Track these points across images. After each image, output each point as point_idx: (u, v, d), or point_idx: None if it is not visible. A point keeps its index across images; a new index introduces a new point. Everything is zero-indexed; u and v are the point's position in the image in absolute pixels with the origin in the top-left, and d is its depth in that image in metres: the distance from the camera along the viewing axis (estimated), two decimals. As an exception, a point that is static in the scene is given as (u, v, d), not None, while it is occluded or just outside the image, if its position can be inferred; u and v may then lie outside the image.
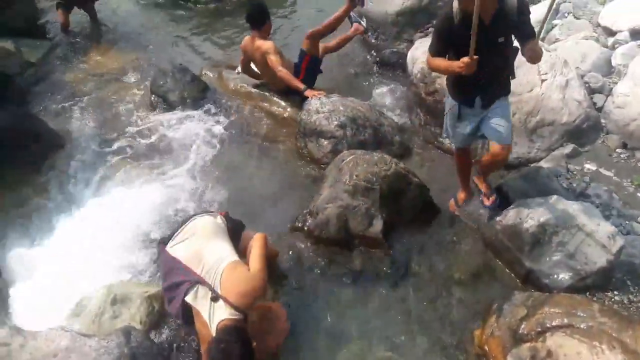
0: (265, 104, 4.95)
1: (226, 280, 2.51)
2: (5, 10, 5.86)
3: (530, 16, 2.91)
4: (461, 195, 3.69)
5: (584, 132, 3.97)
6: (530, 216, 3.14)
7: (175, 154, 4.44)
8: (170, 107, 4.91)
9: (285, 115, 4.81)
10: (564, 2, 4.95)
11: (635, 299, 2.98)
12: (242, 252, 2.85)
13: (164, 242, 2.83)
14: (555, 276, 3.03)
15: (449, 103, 3.29)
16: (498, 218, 3.33)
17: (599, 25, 4.62)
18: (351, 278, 3.29)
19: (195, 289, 2.54)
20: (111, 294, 2.98)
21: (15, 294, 3.23)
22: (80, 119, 4.94)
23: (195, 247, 2.69)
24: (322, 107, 4.30)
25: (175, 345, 2.87)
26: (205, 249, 2.66)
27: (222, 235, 2.80)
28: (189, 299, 2.53)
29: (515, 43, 2.99)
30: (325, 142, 4.20)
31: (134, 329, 2.72)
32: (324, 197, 3.51)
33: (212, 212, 2.98)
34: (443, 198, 3.76)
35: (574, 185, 3.64)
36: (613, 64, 4.29)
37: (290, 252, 3.44)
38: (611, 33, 4.49)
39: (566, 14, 4.86)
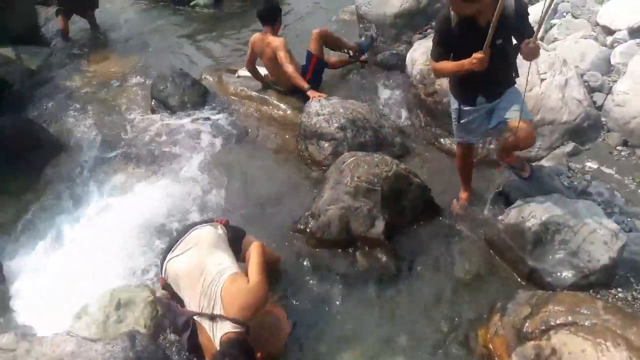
0: (266, 107, 4.96)
1: (226, 294, 2.53)
2: (5, 10, 5.87)
3: (530, 16, 2.91)
4: (463, 195, 3.69)
5: (584, 131, 3.97)
6: (532, 215, 3.13)
7: (176, 158, 4.45)
8: (170, 111, 4.93)
9: (285, 118, 4.83)
10: (562, 1, 4.96)
11: (639, 296, 2.97)
12: (243, 259, 2.88)
13: (164, 254, 2.85)
14: (559, 274, 3.02)
15: (454, 102, 3.31)
16: (500, 217, 3.33)
17: (597, 24, 4.63)
18: (354, 279, 3.28)
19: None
20: (115, 298, 2.99)
21: (19, 299, 3.25)
22: (80, 125, 4.97)
23: (197, 258, 2.71)
24: (322, 110, 4.31)
25: (179, 348, 2.87)
26: (207, 260, 2.68)
27: (223, 246, 2.83)
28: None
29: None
30: (326, 144, 4.21)
31: (138, 333, 2.73)
32: (325, 199, 3.52)
33: (212, 221, 2.98)
34: (444, 198, 3.76)
35: (576, 183, 3.64)
36: (612, 62, 4.29)
37: (292, 254, 3.44)
38: (610, 32, 4.49)
39: (564, 14, 4.86)
